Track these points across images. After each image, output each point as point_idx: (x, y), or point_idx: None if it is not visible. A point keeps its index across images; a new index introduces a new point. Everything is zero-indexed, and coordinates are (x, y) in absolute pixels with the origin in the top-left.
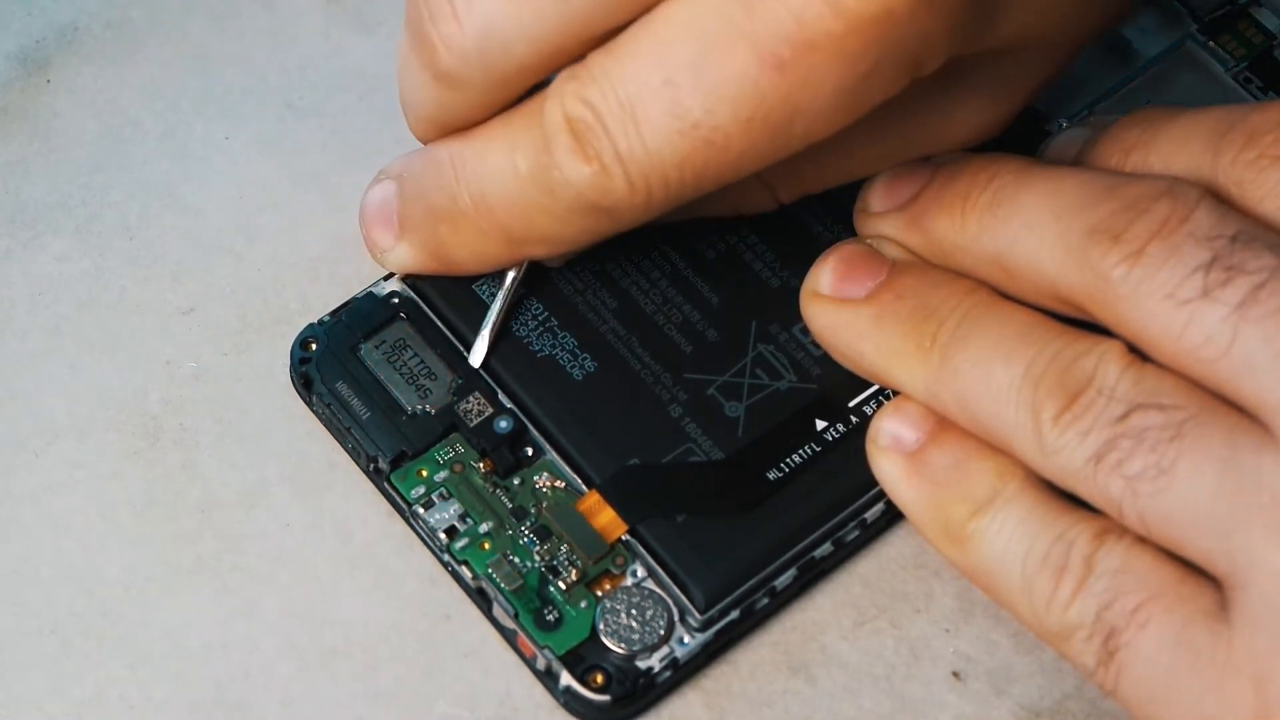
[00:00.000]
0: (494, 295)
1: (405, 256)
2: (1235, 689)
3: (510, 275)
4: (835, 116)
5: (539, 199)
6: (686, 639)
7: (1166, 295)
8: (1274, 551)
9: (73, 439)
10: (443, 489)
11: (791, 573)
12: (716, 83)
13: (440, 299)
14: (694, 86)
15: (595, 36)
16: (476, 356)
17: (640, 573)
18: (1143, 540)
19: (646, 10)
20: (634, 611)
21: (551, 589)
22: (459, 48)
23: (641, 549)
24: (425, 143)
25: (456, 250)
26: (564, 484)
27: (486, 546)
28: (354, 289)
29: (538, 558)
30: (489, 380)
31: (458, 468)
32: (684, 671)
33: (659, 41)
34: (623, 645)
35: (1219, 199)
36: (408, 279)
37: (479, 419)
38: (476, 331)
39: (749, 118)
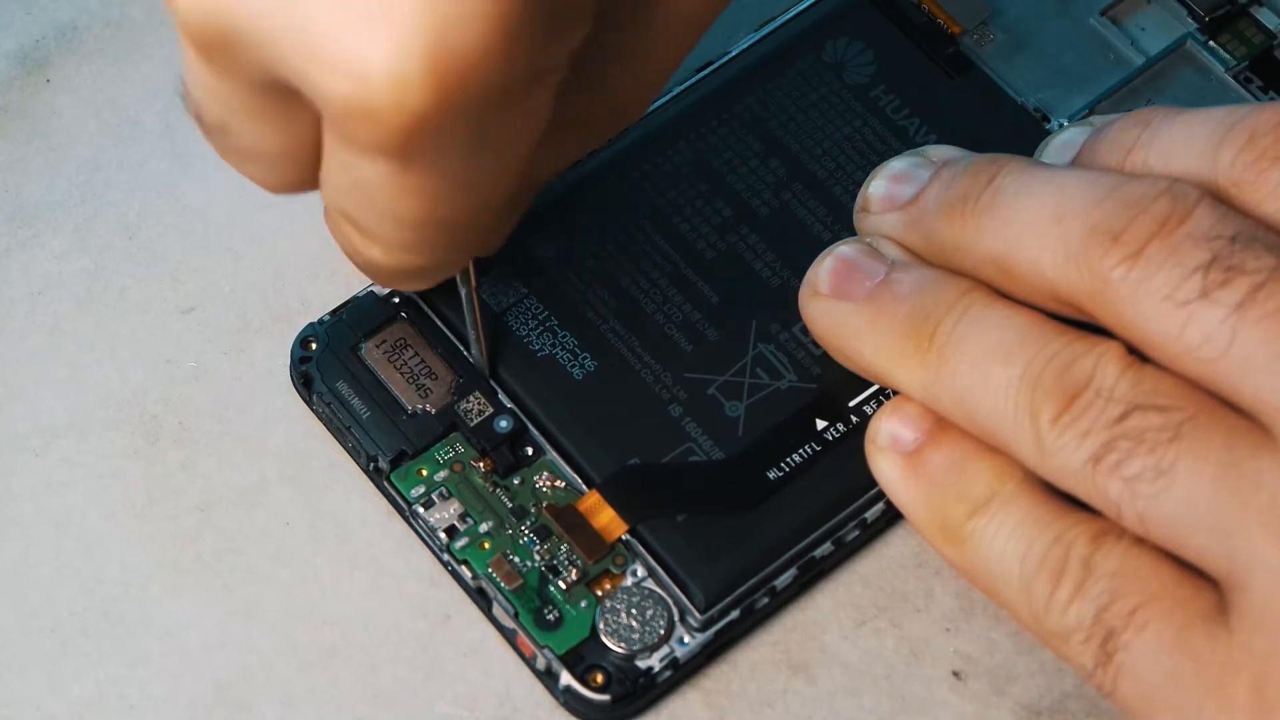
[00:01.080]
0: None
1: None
2: (1234, 690)
3: (461, 291)
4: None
5: (380, 271)
6: (686, 639)
7: (1165, 296)
8: (1273, 553)
9: (73, 438)
10: (443, 488)
11: (791, 572)
12: None
13: (440, 298)
14: None
15: None
16: (482, 369)
17: (640, 572)
18: (1141, 542)
19: None
20: (634, 611)
21: (551, 588)
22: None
23: (641, 548)
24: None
25: (408, 286)
26: (564, 483)
27: (486, 546)
28: (354, 288)
29: (538, 557)
30: (489, 380)
31: (458, 467)
32: (684, 671)
33: None
34: (623, 645)
35: (1218, 200)
36: None
37: (479, 418)
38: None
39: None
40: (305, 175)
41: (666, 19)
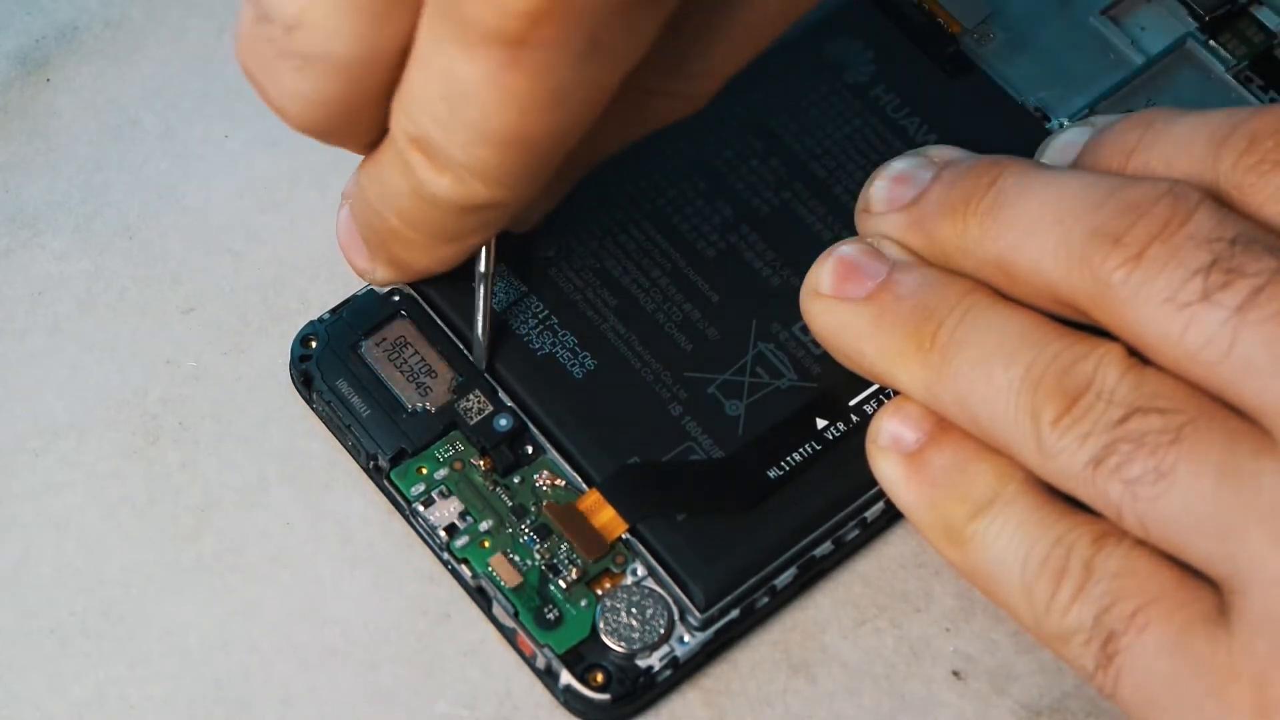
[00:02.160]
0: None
1: (383, 275)
2: (1235, 693)
3: (480, 268)
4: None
5: (434, 211)
6: (686, 638)
7: (1166, 299)
8: (1274, 556)
9: (73, 438)
10: (442, 487)
11: (791, 572)
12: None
13: (440, 296)
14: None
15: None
16: (480, 359)
17: (640, 571)
18: (1142, 544)
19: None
20: (634, 610)
21: (551, 587)
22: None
23: (641, 548)
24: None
25: (416, 260)
26: (564, 482)
27: (486, 545)
28: (354, 287)
29: (538, 556)
30: (489, 378)
31: (457, 465)
32: (684, 670)
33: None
34: (623, 644)
35: (1220, 202)
36: None
37: (479, 417)
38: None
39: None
40: (371, 96)
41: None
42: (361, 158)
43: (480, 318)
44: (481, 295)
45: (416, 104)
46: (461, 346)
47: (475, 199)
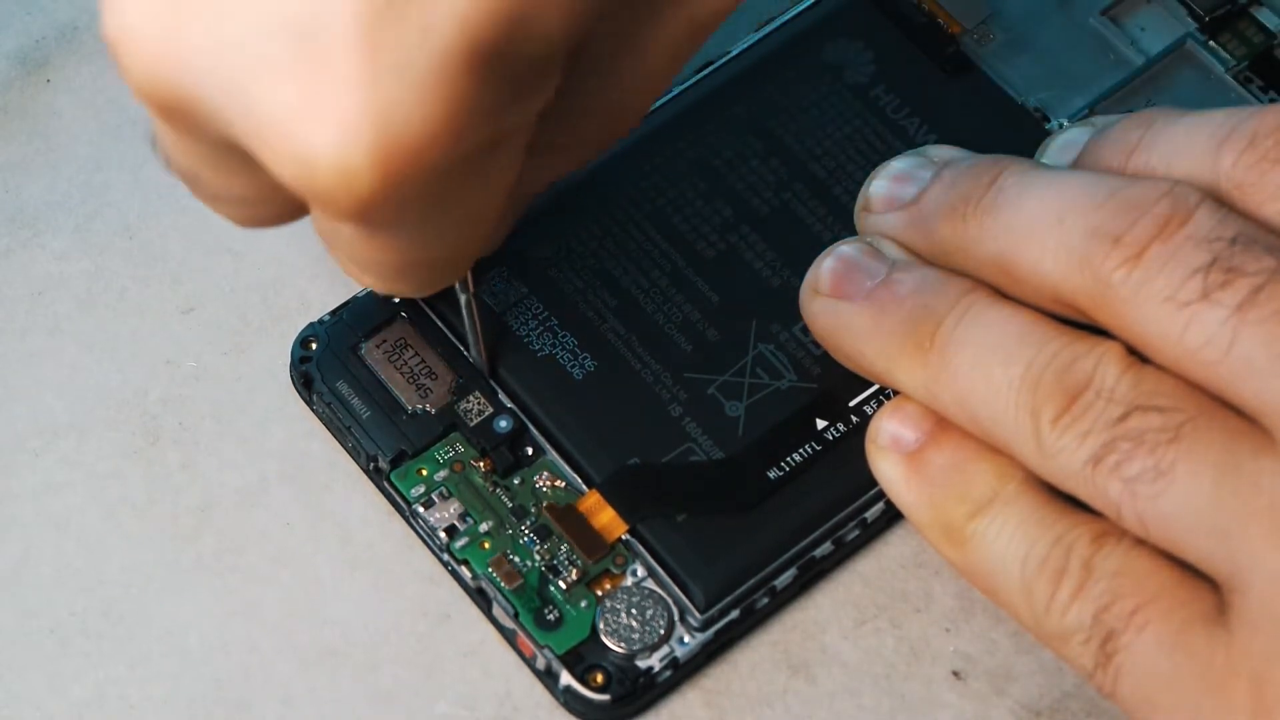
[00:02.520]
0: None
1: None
2: (1233, 692)
3: (461, 297)
4: None
5: (374, 275)
6: (686, 638)
7: (1166, 298)
8: (1273, 555)
9: (73, 438)
10: (442, 488)
11: (791, 572)
12: None
13: (440, 298)
14: None
15: None
16: (483, 367)
17: (640, 572)
18: (1142, 543)
19: None
20: (634, 611)
21: (551, 588)
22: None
23: (641, 548)
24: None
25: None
26: (564, 483)
27: (486, 546)
28: (354, 288)
29: (538, 557)
30: (489, 380)
31: (458, 467)
32: (684, 671)
33: None
34: (623, 645)
35: (1220, 202)
36: None
37: (479, 418)
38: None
39: None
40: (282, 213)
41: (644, 57)
42: None
43: (472, 336)
44: (467, 316)
45: (317, 228)
46: (461, 349)
47: (400, 291)
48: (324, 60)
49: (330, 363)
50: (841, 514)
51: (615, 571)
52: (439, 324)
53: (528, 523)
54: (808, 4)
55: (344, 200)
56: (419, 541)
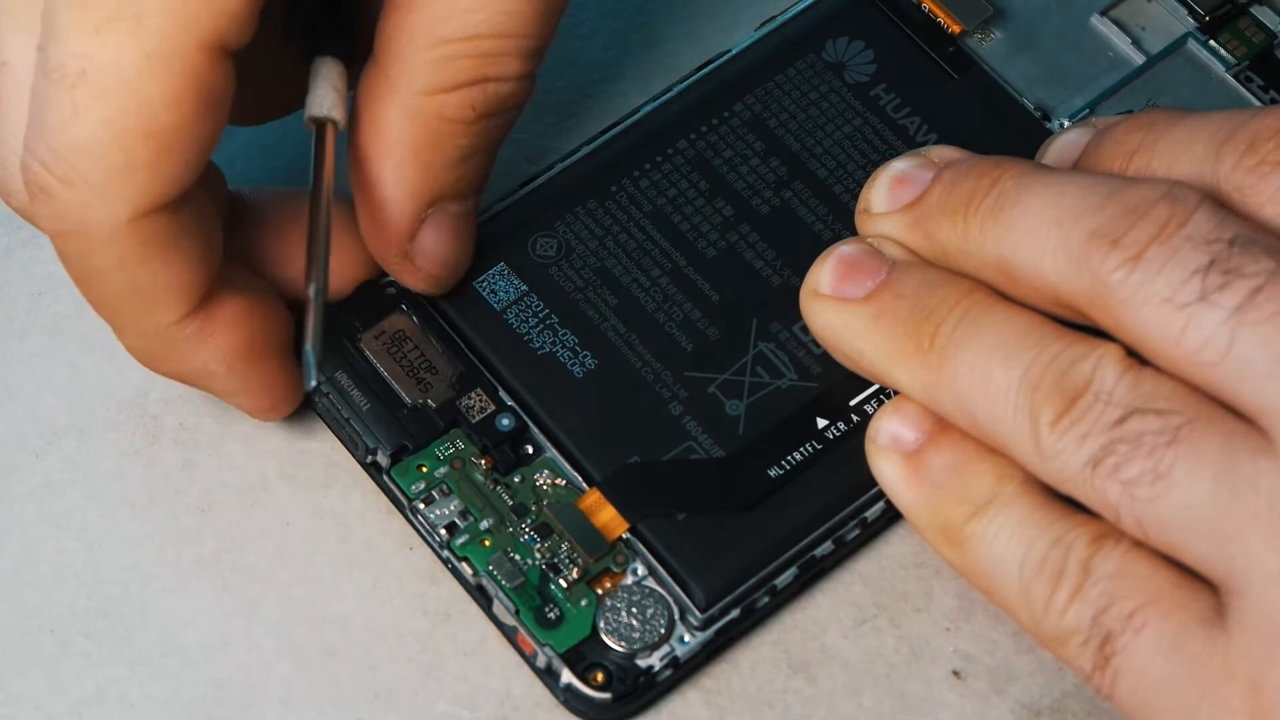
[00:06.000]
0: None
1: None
2: (1231, 694)
3: (311, 285)
4: None
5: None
6: (687, 637)
7: (1165, 299)
8: (1271, 557)
9: (73, 438)
10: (443, 485)
11: (792, 571)
12: None
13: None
14: None
15: None
16: (310, 380)
17: (641, 571)
18: (1140, 545)
19: None
20: (634, 610)
21: (552, 586)
22: None
23: (642, 547)
24: None
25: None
26: (565, 482)
27: (487, 544)
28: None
29: (538, 555)
30: (490, 377)
31: (458, 464)
32: (684, 670)
33: None
34: (623, 643)
35: (1219, 204)
36: None
37: (480, 416)
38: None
39: None
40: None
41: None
42: None
43: (310, 334)
44: (311, 312)
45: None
46: (462, 345)
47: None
48: None
49: (328, 352)
50: (841, 513)
51: (616, 570)
52: (438, 319)
53: (528, 521)
54: (808, 3)
55: None
56: (419, 539)
